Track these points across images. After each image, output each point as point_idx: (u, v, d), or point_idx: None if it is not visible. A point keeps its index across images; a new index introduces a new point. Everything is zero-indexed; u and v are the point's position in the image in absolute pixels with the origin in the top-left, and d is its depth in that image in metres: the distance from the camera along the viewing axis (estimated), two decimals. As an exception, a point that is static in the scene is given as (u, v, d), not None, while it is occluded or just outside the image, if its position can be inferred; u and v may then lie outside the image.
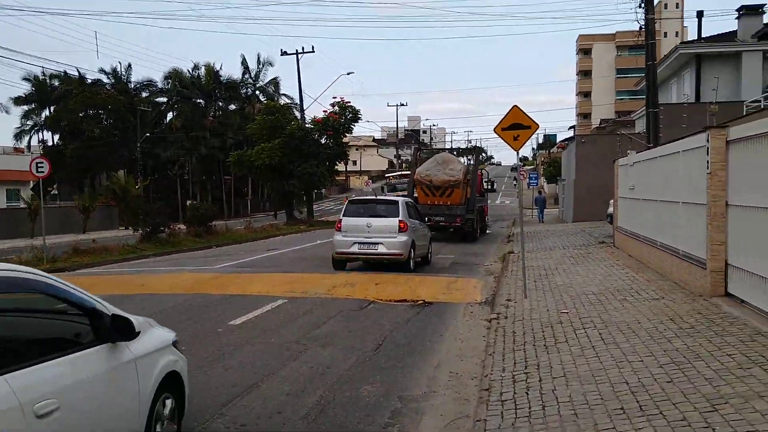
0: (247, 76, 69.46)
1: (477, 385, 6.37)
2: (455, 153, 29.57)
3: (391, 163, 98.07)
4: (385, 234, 14.48)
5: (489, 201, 33.04)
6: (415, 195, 23.79)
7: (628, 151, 16.55)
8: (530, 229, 28.52)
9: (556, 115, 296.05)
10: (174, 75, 66.30)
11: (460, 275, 14.32)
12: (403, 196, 20.97)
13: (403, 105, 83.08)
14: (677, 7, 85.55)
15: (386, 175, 61.13)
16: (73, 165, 59.70)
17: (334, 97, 39.70)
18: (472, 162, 28.39)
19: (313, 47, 42.69)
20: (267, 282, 12.76)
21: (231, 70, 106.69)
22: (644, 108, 32.07)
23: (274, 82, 68.57)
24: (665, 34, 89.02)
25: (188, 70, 67.10)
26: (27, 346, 3.37)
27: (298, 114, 43.66)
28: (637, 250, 14.53)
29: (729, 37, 30.43)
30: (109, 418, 3.76)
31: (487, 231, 28.77)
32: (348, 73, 39.30)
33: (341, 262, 15.04)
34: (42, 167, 18.26)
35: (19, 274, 3.43)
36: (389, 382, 6.65)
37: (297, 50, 42.46)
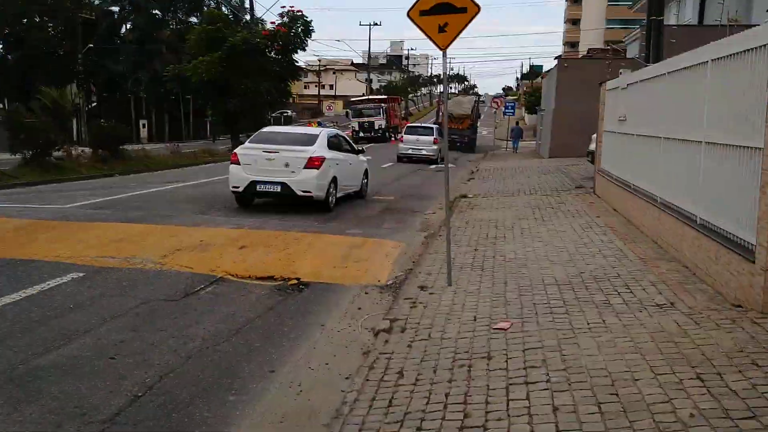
0: (209, -15, 63.47)
1: None
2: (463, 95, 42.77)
3: (370, 89, 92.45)
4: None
5: None
6: (440, 120, 33.44)
7: (621, 71, 12.48)
8: (497, 165, 24.60)
9: (544, 48, 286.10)
10: (131, -19, 59.83)
11: (379, 231, 10.38)
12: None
13: (376, 24, 76.91)
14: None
15: (351, 99, 56.11)
16: (17, 78, 54.29)
17: (283, 7, 34.56)
18: (474, 100, 42.75)
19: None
20: (88, 238, 8.73)
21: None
22: (638, 28, 27.66)
23: (252, 5, 62.05)
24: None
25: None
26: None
27: (249, 27, 38.33)
28: (625, 204, 10.69)
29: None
30: (356, 174, 14.24)
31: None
32: None
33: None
34: None
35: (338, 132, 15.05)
36: None
37: (248, -53, 36.83)
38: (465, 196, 14.41)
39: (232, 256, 8.04)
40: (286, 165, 11.86)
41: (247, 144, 12.90)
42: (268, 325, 5.84)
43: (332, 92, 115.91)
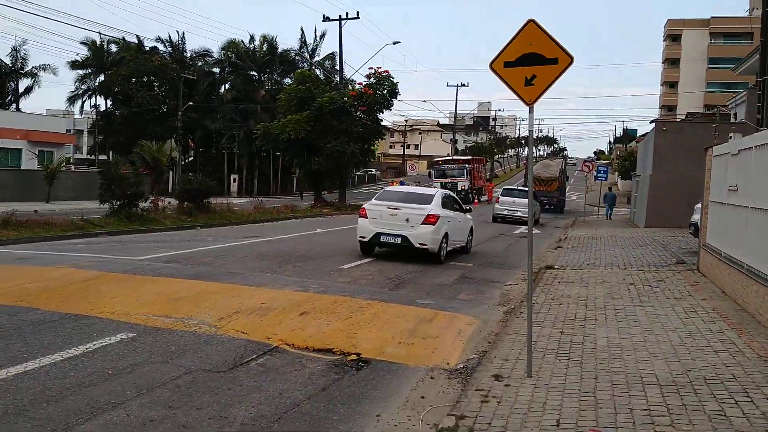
0: (303, 49, 66.17)
1: None
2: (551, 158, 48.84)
3: (456, 149, 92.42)
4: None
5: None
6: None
7: (730, 136, 11.30)
8: (588, 233, 23.21)
9: (638, 111, 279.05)
10: (230, 45, 63.37)
11: (452, 303, 9.52)
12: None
13: (464, 85, 77.22)
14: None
15: (435, 159, 55.88)
16: (122, 132, 57.97)
17: (371, 68, 34.96)
18: (562, 163, 44.84)
19: (357, 13, 38.11)
20: (149, 294, 8.42)
21: (290, 42, 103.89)
22: (745, 90, 25.92)
23: (331, 57, 64.27)
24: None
25: (244, 41, 64.16)
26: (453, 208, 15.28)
27: (338, 87, 39.21)
28: (737, 287, 9.37)
29: None
30: (463, 231, 15.71)
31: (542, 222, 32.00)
32: (394, 43, 34.36)
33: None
34: None
35: (449, 193, 16.63)
36: None
37: (340, 15, 37.98)
38: (551, 268, 13.34)
39: (292, 322, 7.44)
40: (407, 220, 13.63)
41: (373, 200, 14.73)
42: (317, 411, 5.13)
43: (417, 152, 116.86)
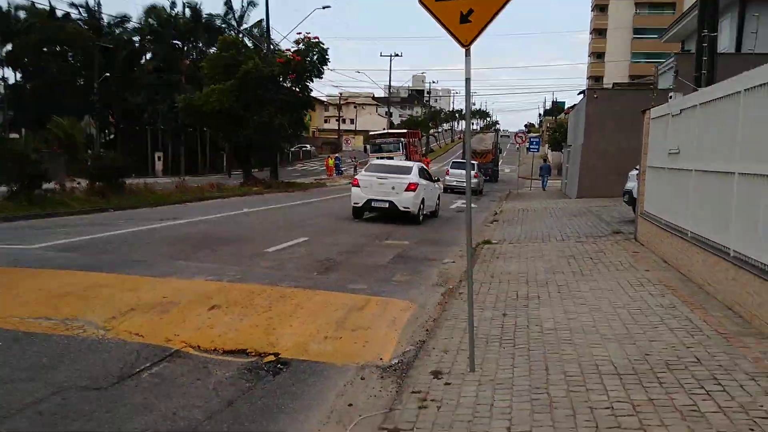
0: (230, 15, 63.29)
1: None
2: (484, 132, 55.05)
3: (391, 123, 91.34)
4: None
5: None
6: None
7: (671, 96, 10.84)
8: (522, 205, 22.90)
9: (567, 82, 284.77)
10: (150, 11, 59.66)
11: (387, 285, 8.68)
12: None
13: (397, 55, 75.53)
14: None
15: (371, 133, 54.89)
16: (35, 107, 53.89)
17: (298, 33, 33.50)
18: (495, 136, 50.92)
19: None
20: (29, 290, 7.16)
21: (215, 9, 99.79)
22: (672, 58, 26.00)
23: (260, 24, 61.71)
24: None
25: (165, 7, 60.56)
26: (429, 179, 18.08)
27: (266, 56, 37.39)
28: (681, 256, 8.93)
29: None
30: (433, 197, 18.09)
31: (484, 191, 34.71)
32: (323, 7, 32.32)
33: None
34: None
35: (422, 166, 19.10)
36: None
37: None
38: (488, 242, 12.72)
39: (199, 319, 6.41)
40: (393, 188, 16.33)
41: (363, 172, 17.87)
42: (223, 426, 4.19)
43: (353, 126, 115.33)
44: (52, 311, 6.37)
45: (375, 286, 8.57)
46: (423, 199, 16.79)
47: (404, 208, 16.13)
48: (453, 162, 37.42)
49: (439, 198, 19.19)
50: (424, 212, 17.17)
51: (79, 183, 21.20)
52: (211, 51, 59.37)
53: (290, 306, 6.99)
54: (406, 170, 17.14)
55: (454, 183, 32.58)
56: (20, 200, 17.07)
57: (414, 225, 16.32)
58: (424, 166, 19.52)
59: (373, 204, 16.48)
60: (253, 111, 31.06)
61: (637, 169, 15.31)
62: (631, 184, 15.20)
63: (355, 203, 16.87)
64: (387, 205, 16.25)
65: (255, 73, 30.41)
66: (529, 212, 19.95)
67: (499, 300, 7.44)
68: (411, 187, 16.31)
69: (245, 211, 19.22)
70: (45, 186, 18.01)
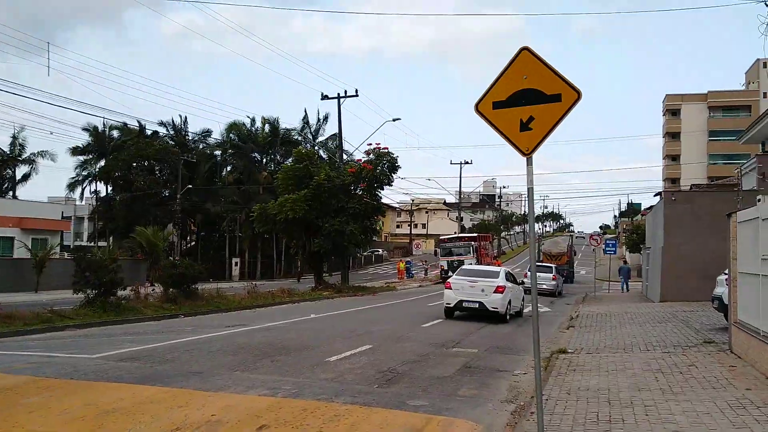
0: (306, 129, 66.37)
1: None
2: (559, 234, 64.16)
3: (462, 227, 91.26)
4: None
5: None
6: (542, 259, 43.48)
7: (759, 198, 10.08)
8: (600, 309, 21.63)
9: (642, 184, 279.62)
10: (232, 127, 63.35)
11: (451, 402, 7.96)
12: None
13: (467, 163, 75.72)
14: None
15: (441, 237, 54.70)
16: (121, 217, 57.09)
17: (369, 144, 34.39)
18: (570, 239, 54.04)
19: (356, 90, 37.86)
20: (77, 406, 6.93)
21: (291, 123, 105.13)
22: (754, 158, 24.91)
23: (334, 137, 64.49)
24: (765, 94, 79.94)
25: (245, 123, 64.16)
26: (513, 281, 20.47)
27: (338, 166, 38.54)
28: (786, 373, 7.87)
29: None
30: (518, 298, 19.78)
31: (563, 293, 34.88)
32: (394, 119, 33.66)
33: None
34: None
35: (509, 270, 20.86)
36: None
37: (338, 93, 37.89)
38: (564, 352, 11.81)
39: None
40: (482, 290, 18.04)
41: (454, 276, 19.60)
42: None
43: (424, 231, 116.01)
44: (96, 429, 6.09)
45: (438, 401, 7.90)
46: (510, 300, 18.52)
47: (493, 308, 17.80)
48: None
49: (523, 299, 20.69)
50: (510, 312, 18.71)
51: (153, 289, 21.68)
52: (288, 163, 62.12)
53: (343, 427, 6.43)
54: (494, 274, 19.10)
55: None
56: (95, 307, 17.52)
57: (485, 330, 15.56)
58: (510, 271, 20.91)
59: (464, 304, 18.21)
60: (326, 219, 31.56)
61: (725, 273, 14.22)
62: (721, 290, 14.04)
63: (447, 304, 18.72)
64: (477, 305, 17.96)
65: (327, 184, 31.17)
66: (608, 317, 18.73)
67: (576, 423, 6.64)
68: (499, 290, 18.05)
69: (312, 317, 18.98)
70: (120, 293, 18.45)
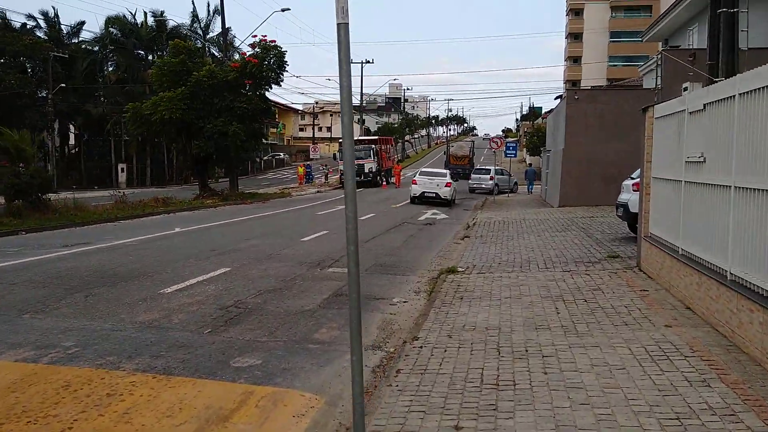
0: (195, 24, 60.75)
1: None
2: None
3: (367, 130, 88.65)
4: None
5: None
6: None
7: (685, 86, 8.40)
8: (499, 216, 20.35)
9: (543, 85, 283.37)
10: (111, 21, 56.98)
11: (296, 357, 6.00)
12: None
13: (369, 62, 71.65)
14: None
15: (339, 141, 52.39)
16: (-10, 121, 50.60)
17: (254, 36, 30.85)
18: (472, 143, 61.40)
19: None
20: None
21: (183, 17, 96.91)
22: (654, 59, 23.77)
23: (226, 34, 59.04)
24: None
25: (127, 17, 57.88)
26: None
27: (222, 61, 34.59)
28: (714, 305, 6.41)
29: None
30: (456, 191, 30.47)
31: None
32: (283, 9, 29.57)
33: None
34: None
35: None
36: None
37: (222, -24, 33.43)
38: (454, 271, 10.12)
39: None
40: (437, 185, 26.83)
41: (418, 174, 28.54)
42: None
43: (329, 134, 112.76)
44: None
45: (278, 357, 5.91)
46: (455, 190, 28.20)
47: (444, 197, 26.51)
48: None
49: (455, 190, 28.72)
50: (454, 199, 28.01)
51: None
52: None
53: (109, 418, 4.29)
54: (444, 175, 28.24)
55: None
56: None
57: (374, 243, 13.74)
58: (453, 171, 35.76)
59: (425, 195, 26.50)
60: (208, 120, 28.32)
61: (632, 178, 12.92)
62: (627, 196, 12.75)
63: (413, 194, 26.88)
64: (434, 195, 26.44)
65: (208, 81, 27.74)
66: (505, 225, 17.38)
67: (453, 391, 4.83)
68: (448, 185, 27.06)
69: (177, 231, 16.50)
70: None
